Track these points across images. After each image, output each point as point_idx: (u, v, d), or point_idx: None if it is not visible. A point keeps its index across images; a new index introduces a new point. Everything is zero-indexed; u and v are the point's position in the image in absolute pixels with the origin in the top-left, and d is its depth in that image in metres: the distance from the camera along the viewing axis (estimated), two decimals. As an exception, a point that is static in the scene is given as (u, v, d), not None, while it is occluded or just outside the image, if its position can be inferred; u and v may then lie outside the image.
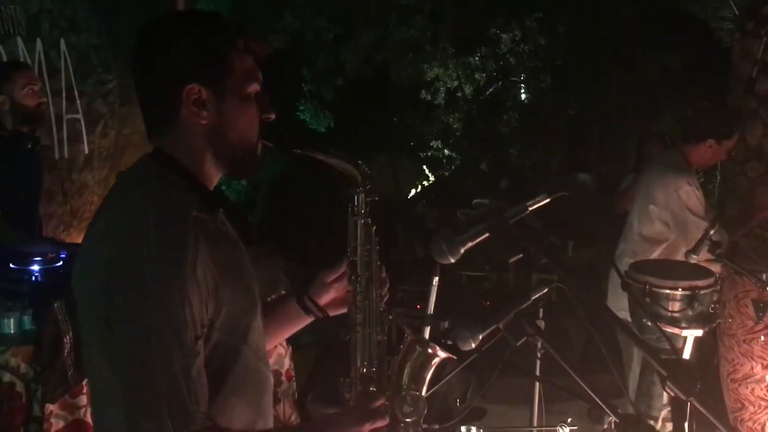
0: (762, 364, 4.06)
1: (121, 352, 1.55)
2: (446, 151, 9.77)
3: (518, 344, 2.30)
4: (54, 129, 5.12)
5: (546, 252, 1.86)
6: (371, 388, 1.87)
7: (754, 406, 4.12)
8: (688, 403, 1.76)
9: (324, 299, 2.03)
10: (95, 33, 5.62)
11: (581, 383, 2.19)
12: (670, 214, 4.41)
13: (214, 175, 1.75)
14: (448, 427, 3.70)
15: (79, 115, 5.31)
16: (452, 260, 1.90)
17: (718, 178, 6.65)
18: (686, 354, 3.56)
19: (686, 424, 1.82)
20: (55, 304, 3.43)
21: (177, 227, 1.59)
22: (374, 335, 1.90)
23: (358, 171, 1.89)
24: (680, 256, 4.22)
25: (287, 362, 4.17)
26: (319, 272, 2.05)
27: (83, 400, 3.52)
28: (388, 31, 6.73)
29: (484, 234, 1.87)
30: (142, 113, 1.75)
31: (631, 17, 9.17)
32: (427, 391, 1.97)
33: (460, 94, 9.83)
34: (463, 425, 3.73)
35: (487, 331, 2.23)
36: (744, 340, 4.08)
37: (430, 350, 1.90)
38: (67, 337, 3.45)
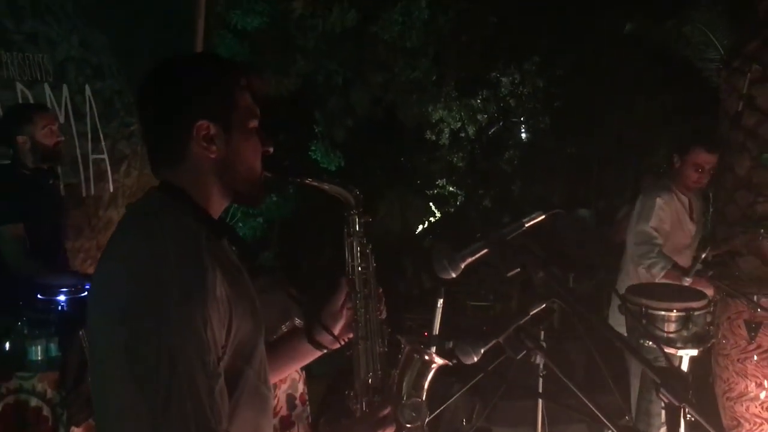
0: (756, 383, 4.02)
1: (148, 375, 1.51)
2: (451, 189, 9.79)
3: (518, 357, 2.30)
4: (81, 168, 5.17)
5: (543, 267, 1.85)
6: (376, 398, 1.88)
7: (750, 423, 4.08)
8: (682, 409, 1.76)
9: (336, 328, 2.01)
10: (117, 79, 5.70)
11: (580, 395, 2.18)
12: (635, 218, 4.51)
13: (220, 205, 1.76)
14: (455, 445, 3.69)
15: (104, 155, 5.36)
16: (453, 275, 1.90)
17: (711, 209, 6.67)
18: (684, 365, 3.54)
19: (681, 430, 1.81)
20: (80, 332, 3.44)
21: (194, 252, 1.58)
22: (376, 347, 1.91)
23: (351, 195, 1.92)
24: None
25: (301, 387, 4.14)
26: (324, 299, 2.03)
27: (106, 423, 3.52)
28: (395, 74, 6.80)
29: (483, 250, 1.87)
30: (147, 148, 1.75)
31: (625, 60, 9.23)
32: (435, 410, 1.97)
33: (463, 135, 9.89)
34: (469, 443, 3.71)
35: (488, 345, 2.22)
36: (738, 360, 4.06)
37: (427, 357, 1.90)
38: (91, 363, 3.46)
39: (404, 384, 1.88)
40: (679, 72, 9.00)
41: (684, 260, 4.46)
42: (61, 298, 3.72)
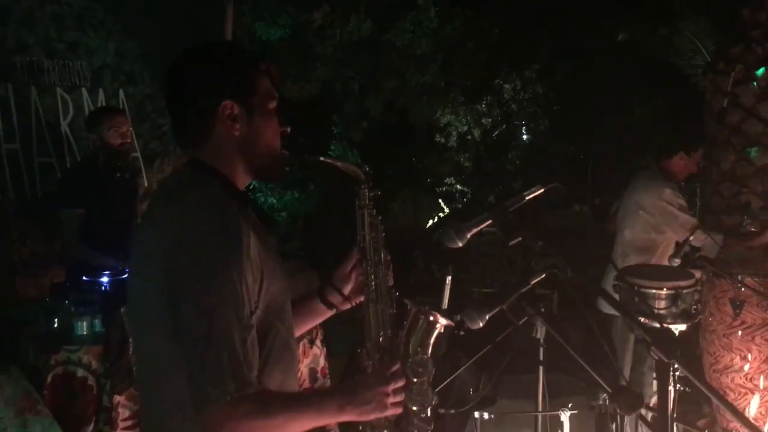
0: (740, 356, 4.02)
1: (187, 328, 1.56)
2: (458, 187, 9.79)
3: (520, 323, 2.32)
4: None
5: (541, 237, 1.87)
6: (386, 357, 1.89)
7: (735, 393, 4.07)
8: (671, 365, 1.77)
9: (346, 289, 2.04)
10: (149, 84, 5.75)
11: (577, 358, 2.20)
12: (659, 217, 4.46)
13: (244, 180, 1.79)
14: (464, 411, 3.69)
15: (137, 154, 5.41)
16: (460, 244, 1.92)
17: (698, 203, 6.65)
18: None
19: (670, 385, 1.82)
20: (122, 309, 3.49)
21: (229, 216, 1.61)
22: (386, 310, 1.93)
23: (362, 171, 1.95)
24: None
25: (322, 361, 4.18)
26: (336, 265, 2.06)
27: (146, 392, 3.56)
28: (406, 78, 6.82)
29: (487, 221, 1.89)
30: (174, 127, 1.77)
31: (619, 67, 9.21)
32: (442, 380, 1.97)
33: (469, 137, 9.89)
34: (476, 411, 3.72)
35: (493, 311, 2.24)
36: (723, 335, 4.05)
37: (432, 318, 1.91)
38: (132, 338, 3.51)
39: (411, 343, 1.89)
40: (670, 77, 8.97)
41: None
42: (104, 279, 3.77)
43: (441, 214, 10.02)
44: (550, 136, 10.19)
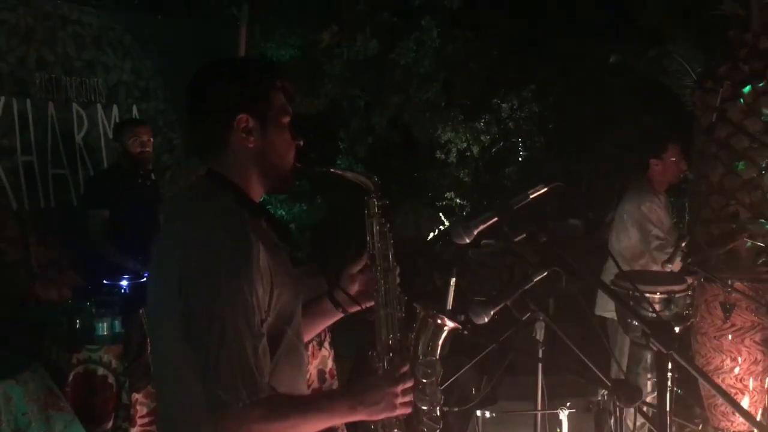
0: (731, 357, 4.00)
1: (199, 336, 1.56)
2: (458, 201, 9.80)
3: (524, 318, 2.32)
4: None
5: (547, 233, 1.87)
6: (396, 358, 1.87)
7: (726, 394, 4.06)
8: (669, 356, 1.76)
9: (352, 290, 2.03)
10: (162, 101, 5.78)
11: (577, 352, 2.20)
12: (636, 226, 4.48)
13: (258, 191, 1.78)
14: (466, 409, 3.68)
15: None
16: (467, 240, 1.92)
17: (686, 217, 6.68)
18: (665, 348, 3.54)
19: (668, 375, 1.81)
20: (141, 311, 3.49)
21: (240, 228, 1.61)
22: (395, 313, 1.91)
23: (371, 181, 1.94)
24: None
25: (330, 363, 4.17)
26: (345, 267, 2.06)
27: (163, 390, 3.55)
28: (410, 95, 6.85)
29: (494, 218, 1.89)
30: (194, 139, 1.78)
31: (611, 88, 9.24)
32: (445, 381, 1.96)
33: (469, 154, 9.91)
34: (478, 409, 3.71)
35: (498, 307, 2.24)
36: (714, 337, 4.03)
37: (439, 321, 1.90)
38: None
39: (420, 345, 1.88)
40: (659, 98, 9.01)
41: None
42: (124, 283, 3.77)
43: (441, 227, 10.03)
44: (545, 152, 10.21)
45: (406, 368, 1.79)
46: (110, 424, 3.40)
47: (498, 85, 9.27)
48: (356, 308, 2.03)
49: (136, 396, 3.42)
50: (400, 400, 1.71)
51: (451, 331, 1.94)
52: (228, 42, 5.99)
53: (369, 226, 1.95)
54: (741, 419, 3.97)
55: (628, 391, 2.05)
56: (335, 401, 1.70)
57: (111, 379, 3.44)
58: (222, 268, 1.56)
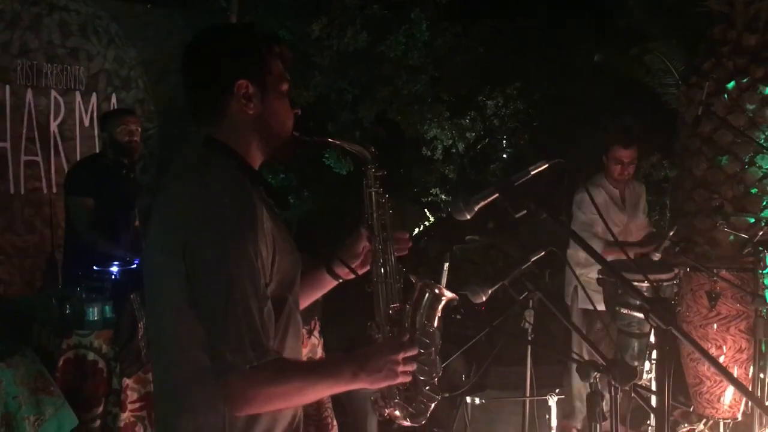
0: (716, 345, 4.05)
1: (206, 299, 1.55)
2: (443, 197, 9.78)
3: (521, 298, 2.32)
4: None
5: (546, 209, 1.87)
6: (395, 329, 1.87)
7: (711, 381, 4.10)
8: (669, 331, 1.77)
9: (354, 263, 2.02)
10: (142, 90, 5.71)
11: (570, 326, 2.20)
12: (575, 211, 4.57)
13: (257, 158, 1.77)
14: (456, 396, 3.70)
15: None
16: (468, 216, 1.92)
17: (668, 214, 6.75)
18: (652, 336, 3.56)
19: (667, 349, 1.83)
20: (132, 295, 3.46)
21: (243, 192, 1.60)
22: (394, 284, 1.91)
23: (368, 151, 1.94)
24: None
25: (320, 351, 4.15)
26: (346, 243, 2.04)
27: (154, 375, 3.52)
28: (399, 87, 6.85)
29: (494, 195, 1.89)
30: (192, 107, 1.74)
31: (595, 86, 9.27)
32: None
33: (454, 150, 9.89)
34: (468, 395, 3.72)
35: (495, 287, 2.25)
36: (700, 326, 4.08)
37: (437, 291, 1.90)
38: (141, 323, 3.47)
39: (418, 316, 1.87)
40: (641, 96, 9.06)
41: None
42: (114, 269, 3.74)
43: (427, 223, 10.03)
44: (529, 150, 10.21)
45: (407, 337, 1.79)
46: (100, 409, 3.36)
47: (483, 82, 9.28)
48: (351, 276, 2.02)
49: (127, 381, 3.39)
50: (401, 368, 1.69)
51: (449, 301, 1.93)
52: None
53: (367, 196, 1.94)
54: (726, 406, 4.02)
55: (623, 370, 2.07)
56: (339, 367, 1.67)
57: (101, 365, 3.40)
58: (227, 231, 1.54)
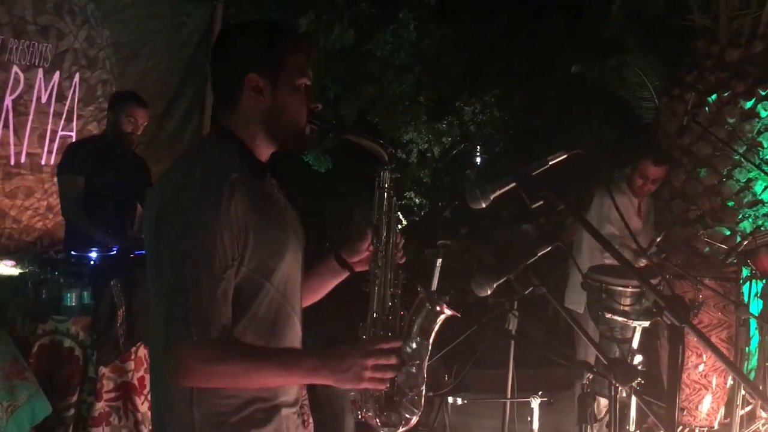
0: (696, 353, 4.07)
1: (163, 269, 1.62)
2: (417, 200, 9.80)
3: (525, 292, 2.29)
4: (47, 141, 5.05)
5: (564, 200, 1.83)
6: (382, 333, 1.81)
7: (690, 389, 4.12)
8: (683, 329, 1.75)
9: (353, 260, 2.01)
10: (109, 71, 5.57)
11: (569, 320, 2.17)
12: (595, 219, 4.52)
13: (266, 150, 1.81)
14: (438, 395, 3.66)
15: (72, 133, 5.22)
16: (483, 205, 1.88)
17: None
18: (635, 342, 3.55)
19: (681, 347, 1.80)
20: (112, 282, 3.36)
21: (216, 180, 1.64)
22: (390, 289, 1.86)
23: (386, 151, 1.89)
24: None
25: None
26: (351, 242, 2.02)
27: (131, 365, 3.42)
28: (385, 86, 6.82)
29: (511, 183, 1.86)
30: (214, 94, 1.83)
31: (572, 98, 9.37)
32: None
33: (429, 155, 9.93)
34: (450, 395, 3.68)
35: (500, 280, 2.21)
36: (681, 333, 4.09)
37: (438, 307, 1.83)
38: (121, 311, 3.38)
39: (414, 327, 1.82)
40: (617, 110, 9.17)
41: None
42: (93, 255, 3.62)
43: (399, 226, 10.04)
44: (504, 157, 10.30)
45: (385, 345, 1.70)
46: (75, 397, 3.24)
47: (462, 88, 9.32)
48: (365, 268, 1.97)
49: (103, 370, 3.30)
50: (369, 374, 1.64)
51: (447, 318, 1.87)
52: (201, 23, 5.84)
53: (379, 198, 1.91)
54: (703, 415, 4.04)
55: (624, 370, 2.05)
56: (299, 359, 1.67)
57: (78, 352, 3.28)
58: (191, 210, 1.60)
